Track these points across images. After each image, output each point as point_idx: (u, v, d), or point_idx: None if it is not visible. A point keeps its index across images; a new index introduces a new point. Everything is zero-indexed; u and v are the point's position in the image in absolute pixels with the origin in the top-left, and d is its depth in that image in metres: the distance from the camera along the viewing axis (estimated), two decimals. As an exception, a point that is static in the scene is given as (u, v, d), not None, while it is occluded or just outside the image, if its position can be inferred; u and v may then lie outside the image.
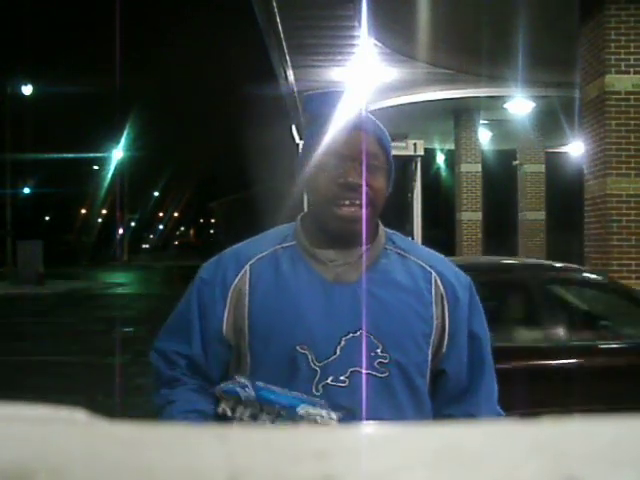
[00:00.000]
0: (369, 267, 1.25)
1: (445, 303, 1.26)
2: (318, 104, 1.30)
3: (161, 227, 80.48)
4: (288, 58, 11.56)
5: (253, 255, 1.29)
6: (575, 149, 14.82)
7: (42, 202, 47.13)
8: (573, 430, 0.30)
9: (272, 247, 1.29)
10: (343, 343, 1.18)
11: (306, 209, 1.36)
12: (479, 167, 15.06)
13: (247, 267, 1.27)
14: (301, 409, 0.92)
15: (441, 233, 20.56)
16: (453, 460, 0.26)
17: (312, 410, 0.91)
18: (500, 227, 18.63)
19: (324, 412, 0.91)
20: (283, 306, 1.22)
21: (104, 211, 62.11)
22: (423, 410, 1.24)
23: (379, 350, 1.19)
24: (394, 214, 8.04)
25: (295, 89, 13.16)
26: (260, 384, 1.12)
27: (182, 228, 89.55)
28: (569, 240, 12.26)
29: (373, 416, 1.15)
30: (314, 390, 1.17)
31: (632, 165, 6.88)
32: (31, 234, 27.70)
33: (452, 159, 16.78)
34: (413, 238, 7.68)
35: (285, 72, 12.35)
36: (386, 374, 1.19)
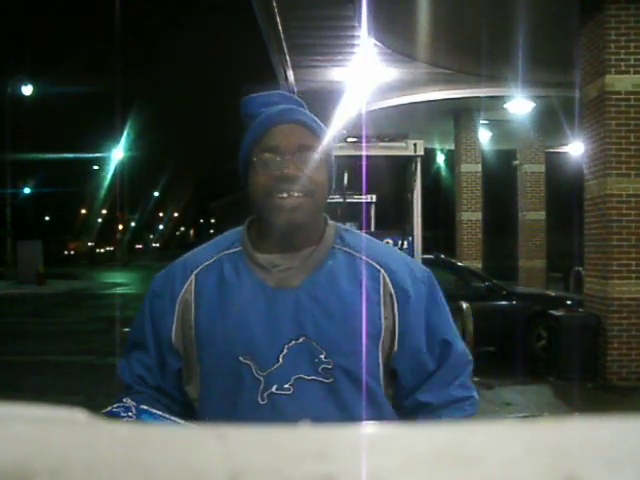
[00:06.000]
0: (313, 270, 1.23)
1: (394, 301, 1.23)
2: (253, 105, 1.30)
3: (161, 227, 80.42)
4: (288, 58, 11.56)
5: (200, 263, 1.29)
6: (575, 149, 14.81)
7: (42, 202, 47.08)
8: (573, 430, 0.30)
9: (217, 254, 1.29)
10: (286, 351, 1.18)
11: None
12: (479, 167, 15.06)
13: (192, 277, 1.28)
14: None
15: (441, 233, 20.57)
16: (453, 460, 0.26)
17: None
18: (500, 227, 18.63)
19: None
20: (226, 316, 1.22)
21: (104, 211, 62.10)
22: (379, 412, 1.23)
23: (322, 356, 1.18)
24: (394, 214, 8.03)
25: (295, 89, 13.15)
26: (144, 407, 1.13)
27: (182, 228, 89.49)
28: (569, 240, 12.25)
29: (319, 422, 1.13)
30: (259, 399, 1.18)
31: (632, 165, 6.87)
32: (31, 234, 27.70)
33: (452, 159, 16.77)
34: (413, 238, 7.65)
35: (285, 72, 12.34)
36: (331, 379, 1.18)
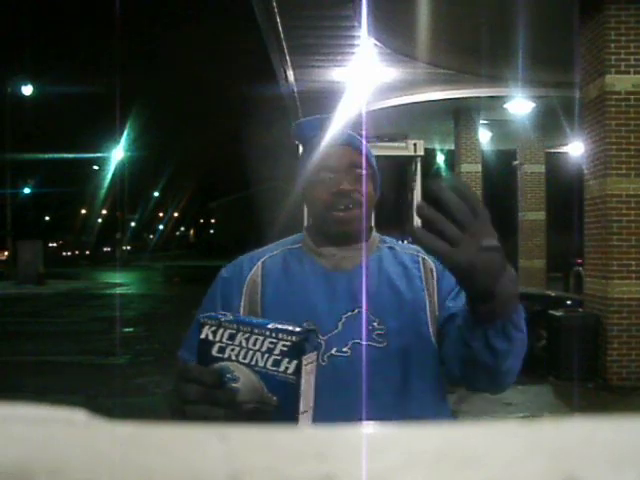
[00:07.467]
0: (364, 258, 1.46)
1: (434, 275, 1.46)
2: (306, 129, 1.52)
3: (161, 227, 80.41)
4: (288, 58, 11.56)
5: (265, 254, 1.53)
6: (575, 149, 14.82)
7: (42, 202, 47.11)
8: (573, 430, 0.30)
9: (281, 248, 1.53)
10: (343, 319, 1.38)
11: (306, 217, 1.52)
12: (479, 167, 15.06)
13: (259, 263, 1.51)
14: (271, 324, 1.03)
15: (441, 233, 20.55)
16: (453, 460, 0.26)
17: (280, 325, 1.02)
18: (500, 227, 18.56)
19: (290, 327, 1.02)
20: (291, 291, 1.44)
21: (104, 211, 62.09)
22: (429, 368, 1.39)
23: (376, 323, 1.38)
24: (394, 214, 8.03)
25: (295, 89, 13.16)
26: (239, 315, 1.24)
27: (182, 228, 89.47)
28: (569, 240, 12.25)
29: (375, 382, 1.32)
30: (321, 360, 1.33)
31: (632, 165, 6.88)
32: (31, 234, 27.71)
33: (452, 159, 16.77)
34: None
35: (285, 72, 12.35)
36: (384, 344, 1.37)
